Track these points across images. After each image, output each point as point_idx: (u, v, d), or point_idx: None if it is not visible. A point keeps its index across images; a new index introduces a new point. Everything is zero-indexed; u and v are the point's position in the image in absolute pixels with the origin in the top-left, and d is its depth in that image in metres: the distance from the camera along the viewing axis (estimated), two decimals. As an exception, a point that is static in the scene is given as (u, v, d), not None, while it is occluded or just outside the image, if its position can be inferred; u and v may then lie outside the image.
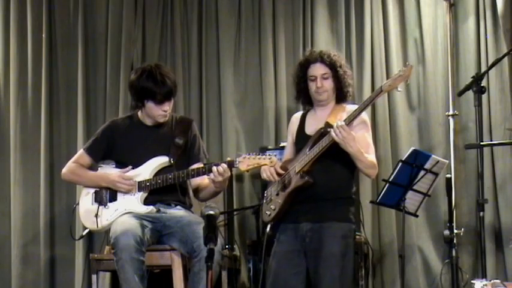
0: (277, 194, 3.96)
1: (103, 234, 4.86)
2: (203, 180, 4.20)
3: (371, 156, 3.92)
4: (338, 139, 3.74)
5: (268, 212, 3.99)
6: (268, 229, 4.01)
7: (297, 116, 4.17)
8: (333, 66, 3.97)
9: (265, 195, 4.09)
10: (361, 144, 3.87)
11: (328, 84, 3.98)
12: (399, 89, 3.80)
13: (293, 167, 3.91)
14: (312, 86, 4.00)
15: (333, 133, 3.75)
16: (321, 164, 3.85)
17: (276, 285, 3.88)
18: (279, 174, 3.95)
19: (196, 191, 4.28)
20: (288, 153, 4.15)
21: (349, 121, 3.80)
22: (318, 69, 3.99)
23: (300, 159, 3.90)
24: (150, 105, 4.15)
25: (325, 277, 3.77)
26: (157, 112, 4.16)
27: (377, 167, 3.97)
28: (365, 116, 4.01)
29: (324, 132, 3.87)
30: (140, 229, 3.96)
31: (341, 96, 4.03)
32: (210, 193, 4.22)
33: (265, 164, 3.93)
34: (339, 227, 3.84)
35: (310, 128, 4.02)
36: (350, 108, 3.99)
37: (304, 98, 4.11)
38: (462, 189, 5.28)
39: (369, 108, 5.28)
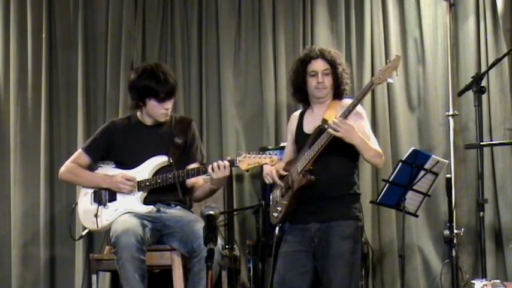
0: (282, 196, 3.96)
1: (103, 234, 4.86)
2: (198, 179, 4.21)
3: (374, 146, 3.91)
4: (340, 134, 3.74)
5: (275, 214, 4.00)
6: (276, 231, 4.02)
7: (296, 114, 4.17)
8: (333, 62, 3.98)
9: (271, 197, 4.09)
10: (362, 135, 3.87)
11: (328, 80, 3.99)
12: (390, 80, 3.80)
13: (295, 168, 3.91)
14: (312, 82, 4.00)
15: (331, 130, 3.75)
16: (322, 161, 3.85)
17: (282, 284, 3.88)
18: (282, 177, 3.95)
19: (191, 190, 4.28)
20: (289, 151, 4.15)
21: (345, 116, 3.79)
22: (319, 65, 3.99)
23: (301, 158, 3.90)
24: (152, 103, 4.14)
25: (336, 276, 3.78)
26: (160, 111, 4.16)
27: (383, 156, 3.94)
28: (360, 108, 3.99)
29: (321, 129, 3.87)
30: (141, 228, 3.96)
31: (338, 93, 4.03)
32: (206, 192, 4.22)
33: (266, 163, 3.94)
34: (346, 225, 3.85)
35: (309, 127, 4.02)
36: (346, 102, 3.99)
37: (301, 94, 4.10)
38: (462, 189, 5.28)
39: (369, 107, 5.34)
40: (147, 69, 4.13)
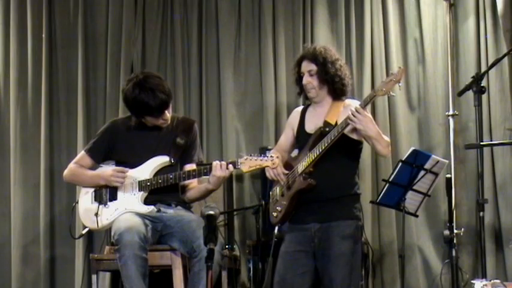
0: (282, 195, 3.96)
1: (103, 234, 4.86)
2: (193, 180, 4.21)
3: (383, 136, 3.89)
4: (357, 125, 3.72)
5: (274, 214, 3.99)
6: (276, 231, 4.02)
7: (298, 110, 4.16)
8: (317, 62, 3.94)
9: (270, 194, 4.08)
10: None
11: (314, 80, 3.96)
12: (392, 94, 3.78)
13: (296, 168, 3.91)
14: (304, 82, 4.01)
15: (350, 121, 3.72)
16: (323, 163, 3.84)
17: (283, 285, 3.88)
18: (283, 174, 3.95)
19: (184, 190, 4.28)
20: (281, 142, 4.15)
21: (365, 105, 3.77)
22: (305, 66, 3.99)
23: (302, 160, 3.89)
24: (149, 118, 4.16)
25: (337, 276, 3.78)
26: (158, 122, 4.18)
27: (390, 145, 3.92)
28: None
29: (322, 132, 3.86)
30: (144, 227, 3.97)
31: (336, 92, 3.98)
32: (201, 192, 4.22)
33: (267, 166, 3.93)
34: (346, 225, 3.84)
35: (310, 125, 4.01)
36: (349, 102, 3.97)
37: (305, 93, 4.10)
38: (462, 189, 5.29)
39: (369, 108, 5.31)
40: (136, 85, 4.08)
